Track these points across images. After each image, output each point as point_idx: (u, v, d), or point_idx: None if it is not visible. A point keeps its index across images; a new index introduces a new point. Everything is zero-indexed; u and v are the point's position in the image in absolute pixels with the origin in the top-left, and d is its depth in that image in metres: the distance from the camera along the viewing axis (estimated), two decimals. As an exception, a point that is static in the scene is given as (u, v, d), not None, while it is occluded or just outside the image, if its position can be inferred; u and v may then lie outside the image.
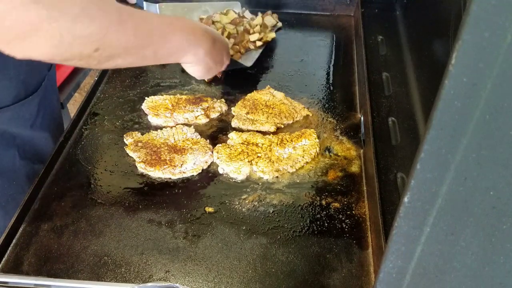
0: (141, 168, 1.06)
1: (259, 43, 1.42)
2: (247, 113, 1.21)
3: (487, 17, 0.38)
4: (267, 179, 1.04)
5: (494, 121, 0.43)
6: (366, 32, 1.43)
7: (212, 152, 1.10)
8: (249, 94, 1.27)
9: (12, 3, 0.63)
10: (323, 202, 1.00)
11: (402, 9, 1.54)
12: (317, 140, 1.13)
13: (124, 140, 1.13)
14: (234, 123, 1.19)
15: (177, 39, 0.90)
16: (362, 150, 1.12)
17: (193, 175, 1.06)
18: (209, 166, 1.08)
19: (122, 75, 1.36)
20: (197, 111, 1.21)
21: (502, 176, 0.46)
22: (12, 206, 1.18)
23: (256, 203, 1.00)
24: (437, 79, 0.43)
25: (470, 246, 0.52)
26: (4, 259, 0.89)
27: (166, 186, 1.03)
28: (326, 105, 1.26)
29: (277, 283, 0.85)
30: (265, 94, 1.26)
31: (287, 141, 1.11)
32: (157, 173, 1.05)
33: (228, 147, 1.10)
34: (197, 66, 1.02)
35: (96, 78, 1.31)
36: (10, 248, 0.91)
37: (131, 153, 1.10)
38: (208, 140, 1.13)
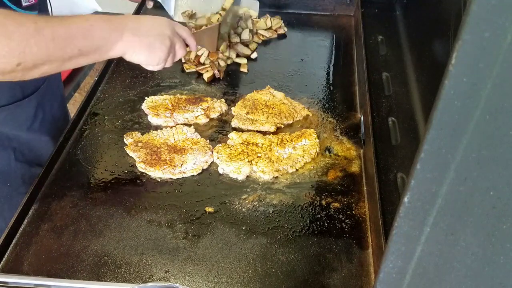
0: (141, 168, 1.06)
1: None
2: (247, 113, 1.21)
3: (487, 17, 0.38)
4: (267, 179, 1.04)
5: (494, 121, 0.43)
6: (366, 32, 1.43)
7: (212, 152, 1.10)
8: (249, 94, 1.27)
9: None
10: (323, 202, 1.00)
11: (402, 9, 1.54)
12: (317, 140, 1.13)
13: (124, 140, 1.13)
14: (234, 123, 1.19)
15: (97, 31, 0.89)
16: (362, 150, 1.12)
17: (193, 175, 1.06)
18: (209, 166, 1.08)
19: (122, 75, 1.36)
20: (197, 111, 1.21)
21: (502, 176, 0.46)
22: (6, 208, 1.18)
23: (256, 203, 1.00)
24: (437, 79, 0.43)
25: (470, 246, 0.52)
26: (4, 259, 0.89)
27: (166, 186, 1.03)
28: (326, 105, 1.26)
29: (277, 283, 0.85)
30: (265, 94, 1.26)
31: (287, 141, 1.11)
32: (157, 173, 1.05)
33: (228, 147, 1.10)
34: (136, 51, 0.97)
35: (96, 78, 1.31)
36: (10, 248, 0.91)
37: (131, 153, 1.10)
38: (208, 140, 1.13)
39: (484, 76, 0.41)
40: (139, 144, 1.11)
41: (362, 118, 1.19)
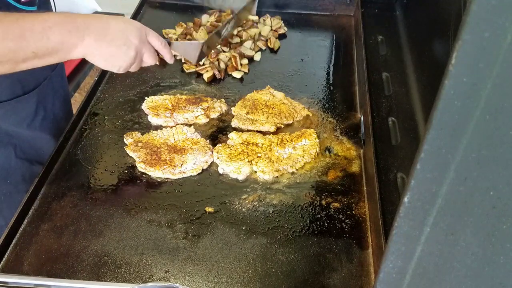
0: (141, 168, 1.06)
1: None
2: (247, 113, 1.21)
3: (487, 17, 0.38)
4: (267, 179, 1.04)
5: (494, 121, 0.43)
6: (366, 32, 1.43)
7: (212, 152, 1.10)
8: (249, 94, 1.27)
9: None
10: (323, 202, 1.00)
11: (402, 9, 1.54)
12: (317, 140, 1.13)
13: (124, 140, 1.13)
14: (234, 123, 1.19)
15: (56, 35, 0.84)
16: (362, 150, 1.12)
17: (193, 175, 1.06)
18: (209, 166, 1.08)
19: (122, 75, 1.36)
20: (197, 111, 1.21)
21: (502, 176, 0.46)
22: (6, 205, 1.18)
23: (256, 203, 1.00)
24: (437, 79, 0.43)
25: (470, 246, 0.52)
26: (4, 259, 0.89)
27: (166, 186, 1.03)
28: (326, 105, 1.26)
29: (277, 283, 0.85)
30: (265, 94, 1.26)
31: (287, 141, 1.11)
32: (157, 173, 1.05)
33: (228, 147, 1.10)
34: (96, 57, 0.92)
35: (96, 78, 1.31)
36: (10, 248, 0.91)
37: (131, 153, 1.10)
38: (208, 140, 1.13)
39: (484, 76, 0.41)
40: (139, 144, 1.11)
41: (362, 118, 1.19)
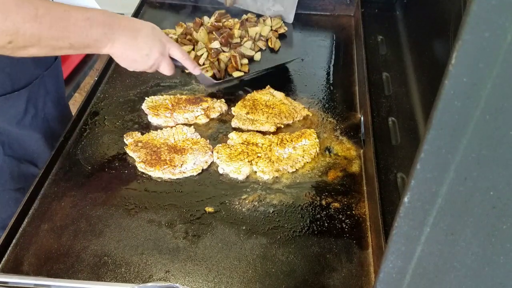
0: (141, 168, 1.06)
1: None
2: (247, 113, 1.21)
3: (487, 17, 0.38)
4: (267, 179, 1.04)
5: (494, 121, 0.43)
6: (366, 32, 1.43)
7: (212, 152, 1.10)
8: (249, 94, 1.27)
9: None
10: (323, 202, 1.00)
11: (402, 9, 1.54)
12: (317, 140, 1.13)
13: (124, 140, 1.13)
14: (234, 123, 1.19)
15: (94, 33, 0.92)
16: (362, 150, 1.12)
17: (193, 175, 1.06)
18: (209, 166, 1.08)
19: (122, 75, 1.36)
20: (197, 111, 1.21)
21: (502, 176, 0.46)
22: None
23: (256, 203, 1.00)
24: (437, 79, 0.43)
25: (470, 246, 0.52)
26: (4, 259, 0.89)
27: (166, 186, 1.03)
28: (326, 105, 1.26)
29: (277, 283, 0.85)
30: (265, 94, 1.26)
31: (287, 141, 1.11)
32: (157, 173, 1.05)
33: (228, 147, 1.10)
34: (119, 57, 1.03)
35: (96, 78, 1.31)
36: (10, 248, 0.91)
37: (131, 153, 1.10)
38: (208, 140, 1.13)
39: (484, 76, 0.41)
40: (139, 144, 1.11)
41: (362, 118, 1.19)
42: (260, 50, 1.46)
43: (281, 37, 1.54)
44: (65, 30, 0.87)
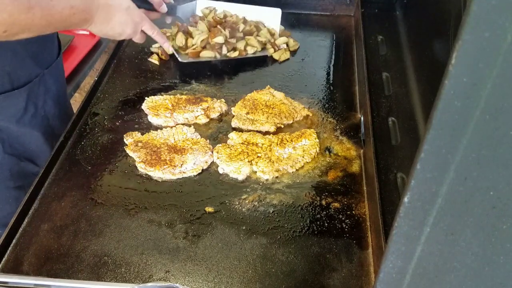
0: (141, 168, 1.06)
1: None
2: (247, 113, 1.21)
3: (487, 17, 0.38)
4: (267, 179, 1.04)
5: (494, 121, 0.43)
6: (366, 32, 1.43)
7: (212, 152, 1.10)
8: (249, 94, 1.27)
9: None
10: (323, 202, 1.00)
11: (402, 9, 1.54)
12: (317, 140, 1.13)
13: (124, 140, 1.13)
14: (234, 123, 1.19)
15: (76, 19, 1.01)
16: (362, 150, 1.12)
17: (193, 175, 1.06)
18: (209, 166, 1.08)
19: (122, 75, 1.36)
20: (197, 111, 1.21)
21: (502, 176, 0.46)
22: None
23: (256, 203, 1.00)
24: (437, 79, 0.43)
25: (470, 246, 0.52)
26: (4, 259, 0.89)
27: (166, 186, 1.03)
28: (326, 105, 1.26)
29: (277, 283, 0.85)
30: (265, 94, 1.26)
31: (287, 141, 1.11)
32: (157, 173, 1.05)
33: (228, 147, 1.10)
34: (95, 33, 1.12)
35: (96, 78, 1.31)
36: (10, 248, 0.91)
37: (131, 153, 1.10)
38: (208, 140, 1.13)
39: (484, 76, 0.40)
40: (139, 144, 1.11)
41: (362, 118, 1.19)
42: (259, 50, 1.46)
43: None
44: (52, 19, 0.95)
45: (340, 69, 1.41)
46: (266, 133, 1.16)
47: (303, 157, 1.08)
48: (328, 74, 1.39)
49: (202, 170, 1.07)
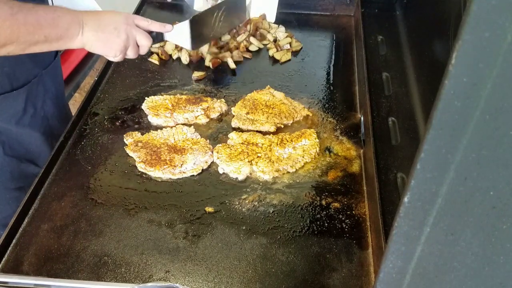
0: (141, 168, 1.06)
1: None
2: (247, 113, 1.21)
3: (487, 17, 0.38)
4: (267, 179, 1.04)
5: (494, 121, 0.43)
6: (366, 32, 1.43)
7: (212, 152, 1.10)
8: (249, 94, 1.27)
9: None
10: (323, 202, 1.00)
11: (402, 9, 1.54)
12: (317, 140, 1.13)
13: (124, 140, 1.13)
14: (234, 123, 1.19)
15: (64, 21, 0.99)
16: (362, 150, 1.12)
17: (193, 175, 1.06)
18: (209, 166, 1.08)
19: (122, 75, 1.36)
20: (197, 111, 1.20)
21: (502, 176, 0.46)
22: None
23: (256, 203, 1.00)
24: (437, 79, 0.43)
25: (470, 246, 0.52)
26: (4, 259, 0.89)
27: (166, 186, 1.03)
28: (326, 105, 1.26)
29: (277, 283, 0.85)
30: (265, 94, 1.26)
31: (287, 141, 1.11)
32: (157, 173, 1.05)
33: (228, 147, 1.10)
34: (94, 44, 1.06)
35: (96, 78, 1.31)
36: (10, 248, 0.91)
37: (131, 153, 1.10)
38: (208, 140, 1.13)
39: (484, 76, 0.40)
40: (139, 144, 1.11)
41: (362, 118, 1.19)
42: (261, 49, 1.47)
43: (281, 37, 1.53)
44: (37, 24, 0.94)
45: (340, 69, 1.41)
46: (266, 133, 1.16)
47: (303, 157, 1.08)
48: (328, 74, 1.39)
49: (202, 170, 1.07)
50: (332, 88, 1.34)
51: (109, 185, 1.03)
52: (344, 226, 0.95)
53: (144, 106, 1.23)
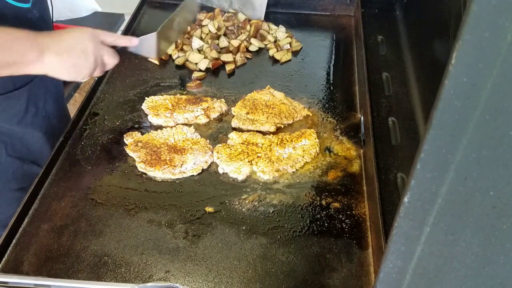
0: (141, 168, 1.06)
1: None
2: (247, 113, 1.21)
3: (487, 17, 0.38)
4: (267, 179, 1.04)
5: (494, 121, 0.43)
6: (366, 32, 1.43)
7: (212, 152, 1.10)
8: (249, 94, 1.27)
9: None
10: (323, 202, 1.00)
11: (402, 9, 1.54)
12: (317, 140, 1.13)
13: (124, 140, 1.13)
14: (234, 123, 1.19)
15: (16, 46, 0.90)
16: (362, 150, 1.12)
17: (193, 175, 1.06)
18: (209, 166, 1.08)
19: (122, 75, 1.36)
20: (197, 111, 1.20)
21: (502, 176, 0.46)
22: None
23: (256, 203, 1.00)
24: (437, 79, 0.43)
25: (470, 246, 0.52)
26: (4, 259, 0.89)
27: (166, 186, 1.03)
28: (326, 105, 1.26)
29: (277, 283, 0.85)
30: (265, 94, 1.26)
31: (287, 141, 1.11)
32: (157, 173, 1.05)
33: (228, 147, 1.10)
34: (60, 71, 0.97)
35: (96, 78, 1.31)
36: (10, 248, 0.91)
37: (131, 153, 1.10)
38: (208, 140, 1.13)
39: (484, 76, 0.40)
40: (139, 144, 1.11)
41: (362, 118, 1.19)
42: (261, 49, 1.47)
43: (281, 37, 1.54)
44: None
45: (340, 69, 1.41)
46: (266, 133, 1.16)
47: (303, 157, 1.08)
48: (328, 74, 1.39)
49: (202, 170, 1.07)
50: (332, 88, 1.34)
51: (109, 185, 1.03)
52: (344, 226, 0.95)
53: (144, 106, 1.23)
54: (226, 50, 1.43)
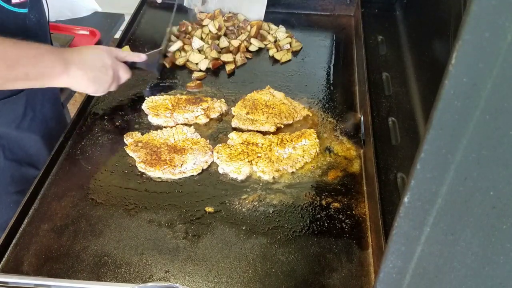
0: (141, 168, 1.06)
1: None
2: (247, 113, 1.21)
3: (487, 17, 0.38)
4: (267, 179, 1.04)
5: (494, 121, 0.43)
6: (366, 32, 1.43)
7: (212, 152, 1.10)
8: (249, 94, 1.27)
9: None
10: (323, 202, 1.00)
11: (402, 9, 1.54)
12: (317, 140, 1.13)
13: (124, 140, 1.13)
14: (234, 123, 1.19)
15: (45, 60, 0.96)
16: (362, 150, 1.12)
17: (193, 175, 1.06)
18: (209, 166, 1.08)
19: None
20: (197, 111, 1.20)
21: (502, 176, 0.46)
22: None
23: (256, 203, 1.00)
24: (437, 79, 0.43)
25: (470, 246, 0.52)
26: (4, 259, 0.89)
27: (166, 186, 1.03)
28: (326, 105, 1.26)
29: (277, 283, 0.85)
30: (265, 94, 1.26)
31: (287, 141, 1.11)
32: (157, 173, 1.05)
33: (228, 147, 1.10)
34: (83, 84, 1.05)
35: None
36: (10, 248, 0.91)
37: (131, 153, 1.10)
38: (208, 140, 1.13)
39: (484, 76, 0.40)
40: (139, 144, 1.11)
41: (362, 118, 1.19)
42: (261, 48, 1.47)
43: (281, 37, 1.54)
44: (17, 59, 0.91)
45: (340, 69, 1.41)
46: (266, 133, 1.16)
47: (303, 157, 1.08)
48: (328, 74, 1.39)
49: (202, 170, 1.07)
50: (332, 88, 1.34)
51: (109, 185, 1.03)
52: (344, 226, 0.95)
53: (144, 106, 1.23)
54: (226, 50, 1.43)
